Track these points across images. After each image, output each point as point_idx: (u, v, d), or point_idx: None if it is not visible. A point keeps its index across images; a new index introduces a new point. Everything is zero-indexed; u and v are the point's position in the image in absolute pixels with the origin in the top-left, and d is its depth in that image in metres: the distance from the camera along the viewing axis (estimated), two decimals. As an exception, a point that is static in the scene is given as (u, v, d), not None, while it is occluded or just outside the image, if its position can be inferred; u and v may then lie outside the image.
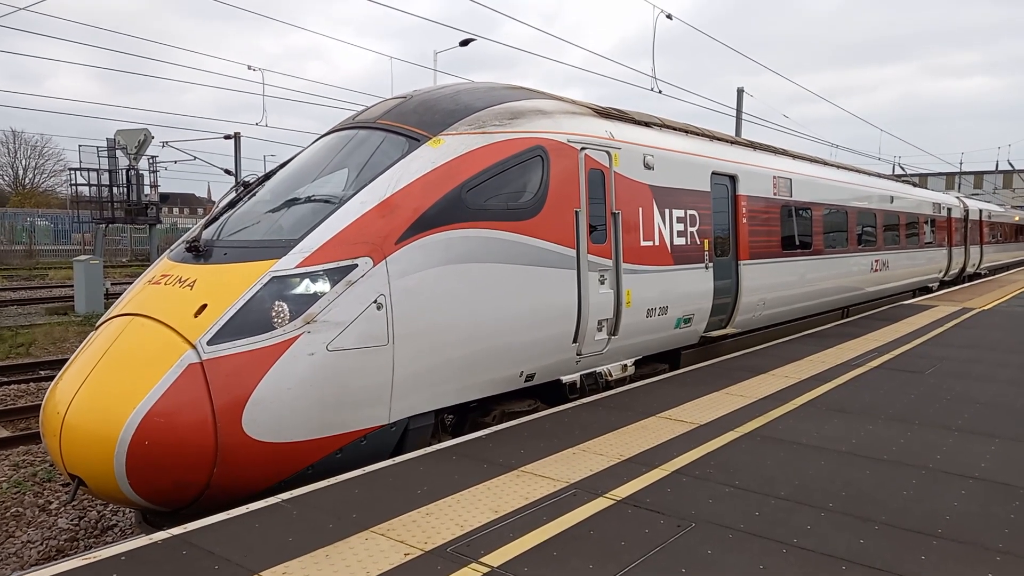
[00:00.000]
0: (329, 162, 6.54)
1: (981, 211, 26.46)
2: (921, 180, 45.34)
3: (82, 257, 21.72)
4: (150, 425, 4.50)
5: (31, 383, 12.11)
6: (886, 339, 10.79)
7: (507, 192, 6.38)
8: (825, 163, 14.68)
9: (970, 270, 24.89)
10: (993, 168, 55.43)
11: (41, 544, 6.47)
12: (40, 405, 5.28)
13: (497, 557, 3.65)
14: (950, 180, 62.65)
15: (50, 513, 7.08)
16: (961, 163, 57.61)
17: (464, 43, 25.62)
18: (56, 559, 6.08)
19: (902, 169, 41.87)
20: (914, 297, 18.55)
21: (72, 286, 21.82)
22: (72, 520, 6.91)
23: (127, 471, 4.51)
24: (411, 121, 6.43)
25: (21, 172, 70.06)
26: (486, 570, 3.52)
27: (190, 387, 4.63)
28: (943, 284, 21.67)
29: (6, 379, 12.25)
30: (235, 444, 4.65)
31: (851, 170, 16.14)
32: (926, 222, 19.16)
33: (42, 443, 5.97)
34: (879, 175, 18.56)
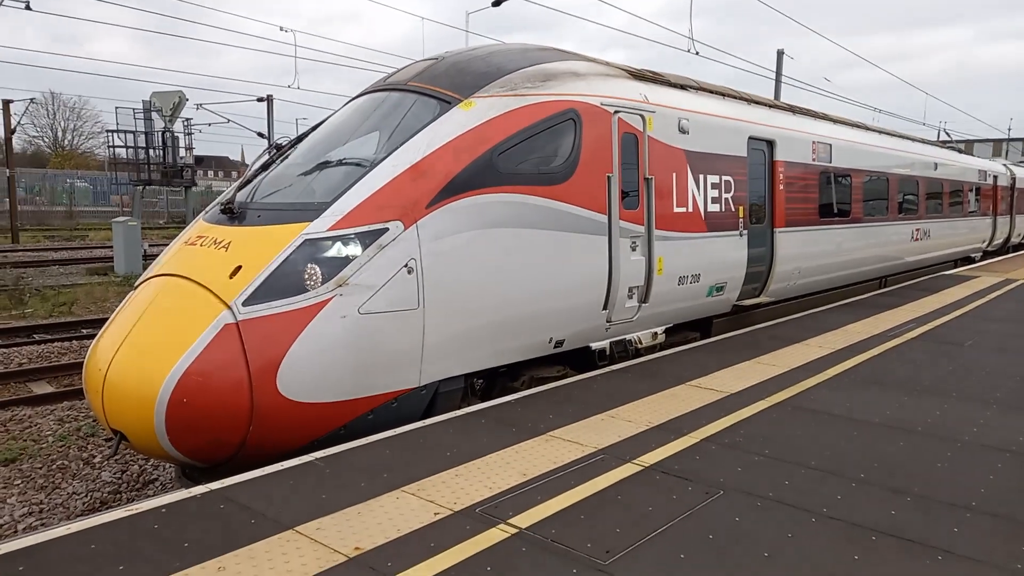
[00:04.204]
0: (360, 125, 6.53)
1: None
2: (967, 147, 43.84)
3: (120, 219, 22.16)
4: (188, 384, 4.61)
5: (73, 341, 12.47)
6: (924, 310, 10.56)
7: (539, 156, 6.31)
8: (867, 128, 14.26)
9: (1015, 240, 24.15)
10: (1044, 134, 53.30)
11: (86, 496, 6.71)
12: (82, 363, 5.43)
13: (525, 519, 3.70)
14: (997, 147, 60.47)
15: (94, 467, 7.34)
16: (1010, 129, 55.52)
17: (496, 3, 25.17)
18: (100, 510, 6.33)
19: (947, 135, 40.57)
20: (955, 267, 18.10)
21: (111, 247, 22.30)
22: (115, 473, 7.15)
23: (166, 428, 4.64)
24: (442, 83, 6.36)
25: (60, 134, 71.32)
26: (514, 531, 3.57)
27: (226, 347, 4.72)
28: (986, 254, 21.08)
29: (50, 336, 12.64)
30: (270, 404, 4.75)
31: (893, 135, 15.66)
32: (970, 190, 18.58)
33: (85, 399, 6.16)
34: (923, 141, 17.99)
